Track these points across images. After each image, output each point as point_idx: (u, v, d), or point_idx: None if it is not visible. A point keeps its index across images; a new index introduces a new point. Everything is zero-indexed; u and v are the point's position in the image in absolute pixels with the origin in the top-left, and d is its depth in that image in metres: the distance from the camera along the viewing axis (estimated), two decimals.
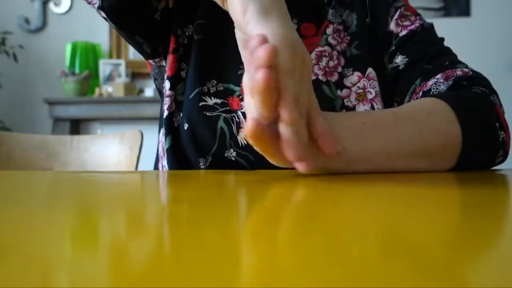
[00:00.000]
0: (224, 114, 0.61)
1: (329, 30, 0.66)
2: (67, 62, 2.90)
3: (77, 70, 2.89)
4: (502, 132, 0.51)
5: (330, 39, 0.66)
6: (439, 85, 0.56)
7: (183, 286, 0.14)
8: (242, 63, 0.49)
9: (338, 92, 0.63)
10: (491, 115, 0.51)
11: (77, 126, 3.01)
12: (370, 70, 0.64)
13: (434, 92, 0.56)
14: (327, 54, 0.64)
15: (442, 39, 0.66)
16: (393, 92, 0.64)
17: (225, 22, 0.63)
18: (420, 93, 0.58)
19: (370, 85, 0.63)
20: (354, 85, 0.64)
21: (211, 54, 0.65)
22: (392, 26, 0.66)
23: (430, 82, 0.58)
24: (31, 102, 3.01)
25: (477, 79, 0.56)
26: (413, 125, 0.46)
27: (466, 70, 0.58)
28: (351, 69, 0.64)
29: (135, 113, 2.79)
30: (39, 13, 2.95)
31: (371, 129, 0.45)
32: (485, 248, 0.19)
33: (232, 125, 0.61)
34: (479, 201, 0.31)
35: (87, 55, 2.92)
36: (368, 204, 0.30)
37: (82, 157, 1.11)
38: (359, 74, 0.64)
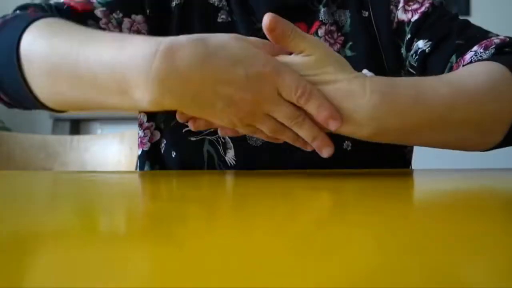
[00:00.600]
0: (208, 137, 0.60)
1: (321, 32, 0.64)
2: None
3: None
4: None
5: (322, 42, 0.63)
6: (480, 56, 0.53)
7: (184, 286, 0.14)
8: None
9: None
10: None
11: (77, 126, 3.01)
12: (365, 71, 0.61)
13: None
14: None
15: (457, 14, 0.63)
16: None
17: None
18: (460, 68, 0.54)
19: None
20: None
21: None
22: (401, 14, 0.63)
23: (468, 56, 0.54)
24: None
25: None
26: (474, 93, 0.43)
27: (501, 37, 0.55)
28: None
29: (135, 113, 2.78)
30: None
31: (422, 104, 0.42)
32: (493, 251, 0.19)
33: (219, 146, 0.60)
34: (490, 202, 0.31)
35: None
36: (367, 203, 0.30)
37: (82, 157, 1.11)
38: None
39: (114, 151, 1.11)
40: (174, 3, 0.64)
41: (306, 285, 0.14)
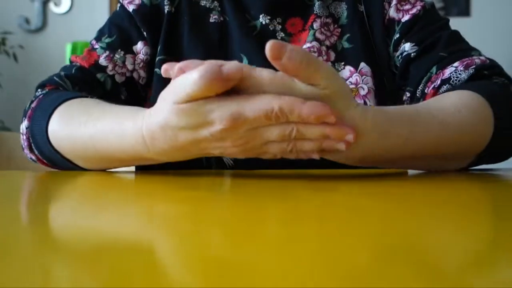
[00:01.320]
0: None
1: (316, 25, 0.64)
2: (67, 62, 2.91)
3: None
4: None
5: (317, 34, 0.63)
6: (459, 74, 0.55)
7: (185, 286, 0.14)
8: None
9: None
10: None
11: None
12: (363, 65, 0.62)
13: (455, 81, 0.55)
14: (315, 50, 0.62)
15: (447, 20, 0.64)
16: (402, 80, 0.62)
17: (187, 53, 0.64)
18: (438, 81, 0.57)
19: (362, 81, 0.61)
20: (345, 80, 0.61)
21: None
22: (393, 12, 0.64)
23: (448, 70, 0.57)
24: None
25: (495, 68, 0.56)
26: (458, 131, 0.45)
27: (483, 58, 0.57)
28: (343, 63, 0.63)
29: None
30: (39, 13, 2.95)
31: (411, 145, 0.43)
32: (486, 250, 0.19)
33: None
34: (480, 201, 0.31)
35: None
36: (363, 205, 0.30)
37: None
38: (351, 68, 0.62)
39: None
40: (166, 10, 0.66)
41: (305, 285, 0.14)
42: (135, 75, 0.65)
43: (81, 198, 0.35)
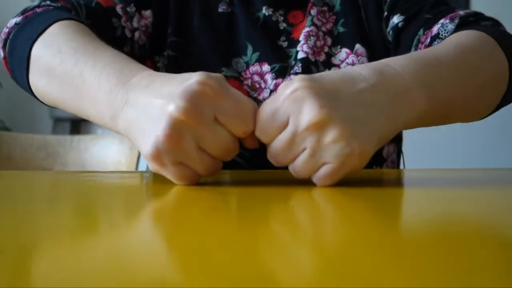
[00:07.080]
0: None
1: (313, 11, 0.68)
2: None
3: None
4: None
5: (315, 20, 0.68)
6: (446, 26, 0.57)
7: (183, 286, 0.14)
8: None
9: (327, 71, 0.64)
10: None
11: (77, 126, 2.99)
12: (358, 46, 0.66)
13: (443, 34, 0.57)
14: (314, 34, 0.67)
15: None
16: (397, 52, 0.64)
17: (196, 37, 0.67)
18: (428, 39, 0.58)
19: (358, 61, 0.65)
20: (342, 61, 0.66)
21: (185, 69, 0.62)
22: None
23: (435, 28, 0.58)
24: (31, 102, 3.00)
25: (479, 14, 0.58)
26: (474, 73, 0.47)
27: (467, 10, 0.59)
28: (339, 46, 0.67)
29: None
30: None
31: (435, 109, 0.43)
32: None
33: None
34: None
35: None
36: (359, 205, 0.30)
37: (82, 157, 1.11)
38: (347, 50, 0.66)
39: (114, 151, 1.11)
40: None
41: (295, 284, 0.14)
42: (136, 34, 0.66)
43: (81, 197, 0.36)
